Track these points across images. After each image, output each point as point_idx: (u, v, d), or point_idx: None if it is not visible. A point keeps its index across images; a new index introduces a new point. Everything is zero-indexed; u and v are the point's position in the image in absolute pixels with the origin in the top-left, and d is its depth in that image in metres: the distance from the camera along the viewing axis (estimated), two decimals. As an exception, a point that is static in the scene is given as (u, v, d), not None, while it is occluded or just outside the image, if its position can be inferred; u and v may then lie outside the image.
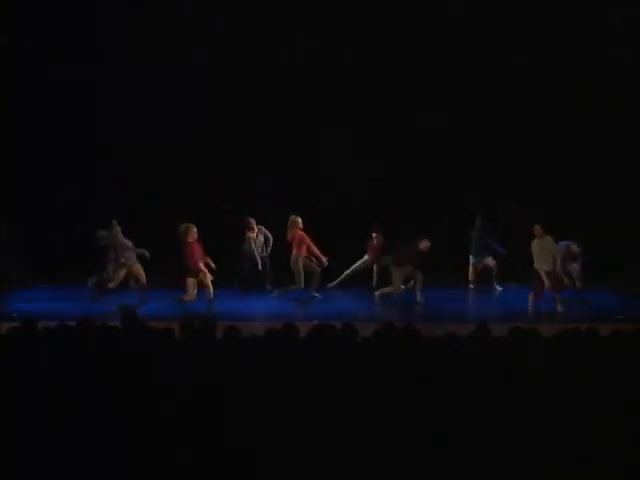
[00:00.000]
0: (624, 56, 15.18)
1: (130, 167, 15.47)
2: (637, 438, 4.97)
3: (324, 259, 13.40)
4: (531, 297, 12.54)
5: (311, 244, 13.44)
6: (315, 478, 4.85)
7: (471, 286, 14.67)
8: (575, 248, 13.26)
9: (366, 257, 14.51)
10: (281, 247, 13.97)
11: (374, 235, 14.40)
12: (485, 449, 4.91)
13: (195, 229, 12.53)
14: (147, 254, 13.11)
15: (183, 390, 5.25)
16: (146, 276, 13.20)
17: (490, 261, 14.47)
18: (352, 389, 5.25)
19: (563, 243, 13.08)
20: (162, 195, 15.46)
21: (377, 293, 13.46)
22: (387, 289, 13.36)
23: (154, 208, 15.27)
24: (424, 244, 13.25)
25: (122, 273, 13.10)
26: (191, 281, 12.54)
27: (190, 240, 12.53)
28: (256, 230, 14.51)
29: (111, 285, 12.98)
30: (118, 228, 13.10)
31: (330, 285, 14.36)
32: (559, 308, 12.40)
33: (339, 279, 14.56)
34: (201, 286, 12.63)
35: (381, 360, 5.75)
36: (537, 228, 12.62)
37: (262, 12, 15.59)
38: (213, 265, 12.68)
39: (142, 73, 15.27)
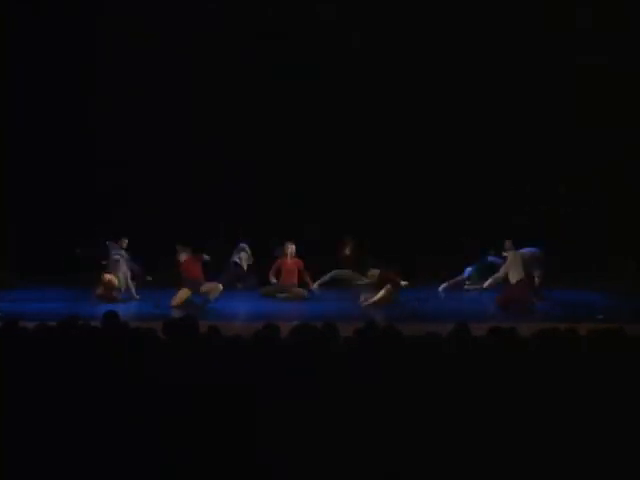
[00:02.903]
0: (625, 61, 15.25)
1: (129, 166, 15.53)
2: (619, 438, 5.02)
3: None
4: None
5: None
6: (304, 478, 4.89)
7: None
8: (540, 255, 13.66)
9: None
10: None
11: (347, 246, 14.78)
12: (470, 448, 4.95)
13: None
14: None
15: (167, 390, 5.26)
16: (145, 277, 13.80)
17: None
18: (334, 389, 5.28)
19: (529, 249, 13.47)
20: (162, 195, 15.53)
21: (362, 299, 13.35)
22: (373, 298, 13.24)
23: (153, 207, 15.33)
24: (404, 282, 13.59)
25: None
26: (185, 292, 12.61)
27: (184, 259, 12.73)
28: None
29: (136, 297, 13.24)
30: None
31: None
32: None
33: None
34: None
35: (362, 359, 5.78)
36: (508, 243, 13.13)
37: (263, 12, 15.64)
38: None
39: (142, 72, 15.35)
